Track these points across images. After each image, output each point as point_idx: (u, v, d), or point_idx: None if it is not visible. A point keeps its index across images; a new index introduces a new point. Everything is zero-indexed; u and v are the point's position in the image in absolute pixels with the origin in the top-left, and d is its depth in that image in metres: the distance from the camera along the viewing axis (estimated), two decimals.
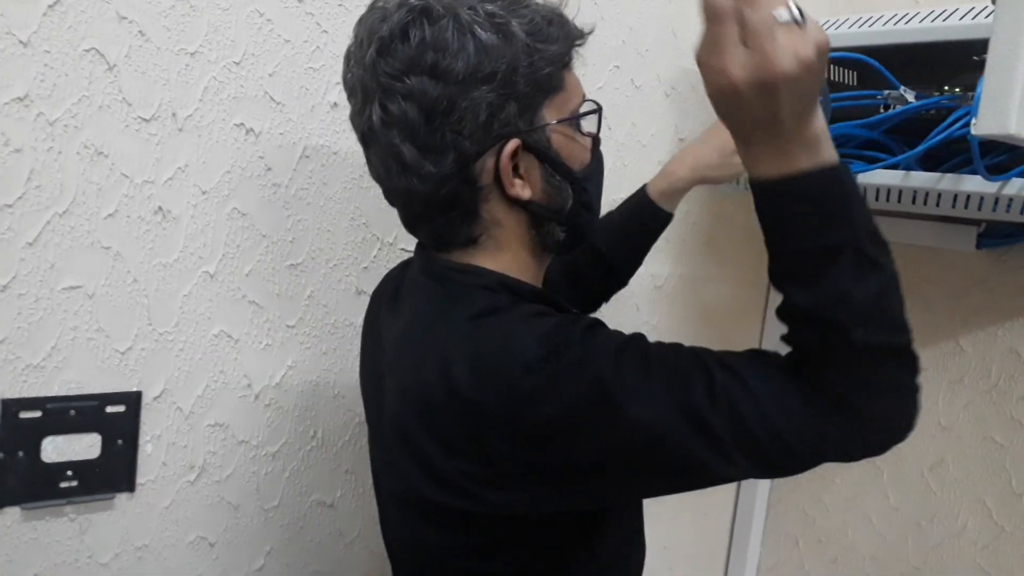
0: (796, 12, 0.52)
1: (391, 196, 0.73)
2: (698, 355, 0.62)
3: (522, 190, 0.69)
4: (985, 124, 0.56)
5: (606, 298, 1.09)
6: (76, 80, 0.85)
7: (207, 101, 0.93)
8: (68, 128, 0.86)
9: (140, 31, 0.88)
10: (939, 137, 0.92)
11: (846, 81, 1.18)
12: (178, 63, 0.91)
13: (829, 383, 0.59)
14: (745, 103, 0.54)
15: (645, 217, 1.04)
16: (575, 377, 0.60)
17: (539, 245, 0.73)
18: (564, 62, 0.70)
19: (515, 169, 0.68)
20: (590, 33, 0.72)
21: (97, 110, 0.87)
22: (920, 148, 0.95)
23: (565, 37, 0.69)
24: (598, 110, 0.74)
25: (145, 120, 0.90)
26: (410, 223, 0.74)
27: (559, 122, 0.70)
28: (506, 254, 0.72)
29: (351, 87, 0.69)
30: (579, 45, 0.71)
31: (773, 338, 1.52)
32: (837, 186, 0.57)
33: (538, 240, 0.73)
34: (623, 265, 1.06)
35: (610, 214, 1.06)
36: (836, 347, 0.58)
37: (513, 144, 0.66)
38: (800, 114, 0.54)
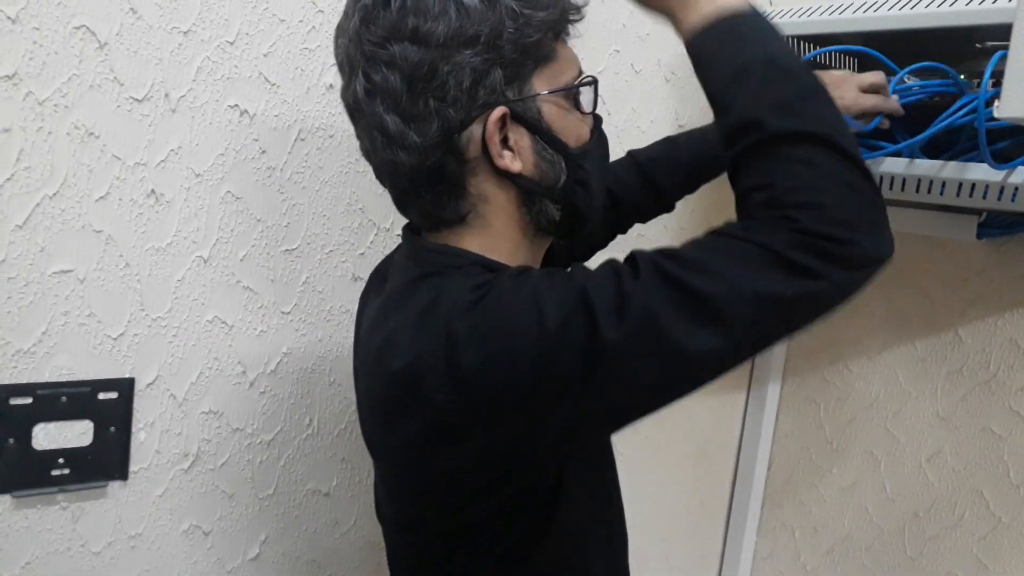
0: None
1: (380, 172, 0.71)
2: (629, 254, 0.61)
3: (511, 162, 0.67)
4: (1009, 107, 0.55)
5: (645, 219, 1.06)
6: (66, 58, 0.83)
7: (200, 81, 0.91)
8: (58, 108, 0.84)
9: (132, 8, 0.86)
10: (944, 123, 0.91)
11: (848, 67, 1.17)
12: (171, 42, 0.89)
13: (769, 201, 0.58)
14: None
15: (720, 160, 0.96)
16: (506, 304, 0.59)
17: (531, 224, 0.71)
18: (555, 31, 0.68)
19: (504, 141, 0.66)
20: (584, 5, 0.69)
21: (88, 89, 0.85)
22: (926, 134, 0.93)
23: (555, 4, 0.67)
24: (593, 83, 0.72)
25: (137, 100, 0.88)
26: (400, 201, 0.72)
27: (550, 92, 0.67)
28: (495, 234, 0.70)
29: (340, 61, 0.68)
30: (574, 20, 0.69)
31: None
32: (736, 25, 0.64)
33: (530, 219, 0.70)
34: (679, 196, 1.04)
35: (679, 148, 1.02)
36: (759, 145, 0.60)
37: (499, 112, 0.65)
38: None
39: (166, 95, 0.90)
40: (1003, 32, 0.91)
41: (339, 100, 0.99)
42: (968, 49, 0.99)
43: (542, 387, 0.58)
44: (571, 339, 0.56)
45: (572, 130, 0.70)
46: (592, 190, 0.73)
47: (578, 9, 0.69)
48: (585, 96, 0.71)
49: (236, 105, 0.94)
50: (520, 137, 0.67)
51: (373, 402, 0.69)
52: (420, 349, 0.60)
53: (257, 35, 0.94)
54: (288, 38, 0.96)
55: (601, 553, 0.78)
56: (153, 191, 0.91)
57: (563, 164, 0.70)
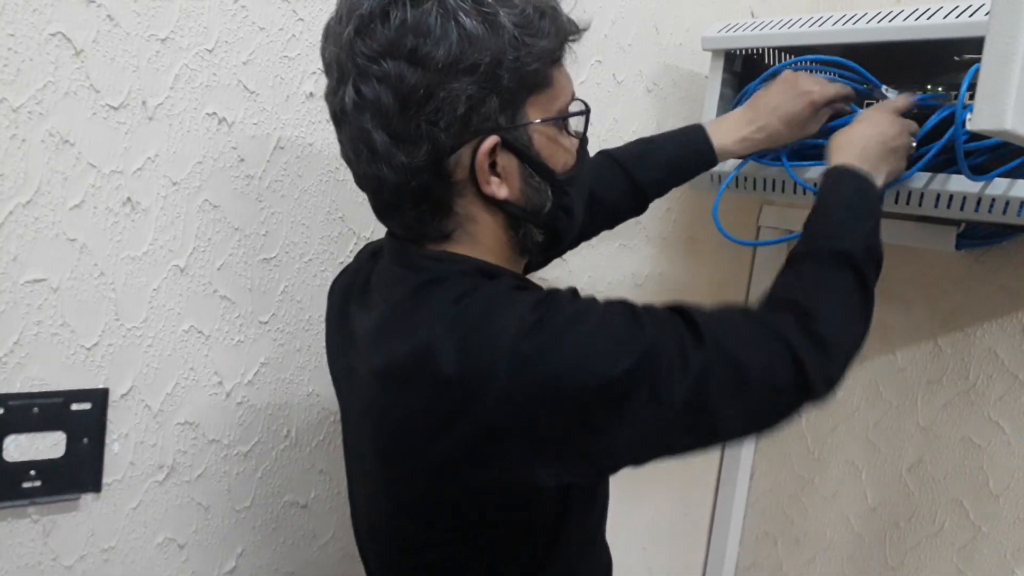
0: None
1: (360, 181, 0.70)
2: (675, 307, 0.67)
3: (498, 189, 0.66)
4: (981, 120, 0.55)
5: (614, 225, 1.06)
6: (41, 65, 0.82)
7: (178, 89, 0.90)
8: (33, 115, 0.83)
9: (108, 15, 0.85)
10: (937, 148, 0.91)
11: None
12: (148, 49, 0.88)
13: (806, 308, 0.71)
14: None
15: (699, 164, 1.02)
16: (574, 332, 0.60)
17: (516, 245, 0.71)
18: (554, 58, 0.67)
19: (492, 167, 0.66)
20: (585, 29, 0.69)
21: (63, 96, 0.84)
22: (914, 169, 0.93)
23: (557, 32, 0.66)
24: (586, 112, 0.72)
25: (113, 108, 0.87)
26: (380, 211, 0.71)
27: (543, 122, 0.67)
28: (481, 250, 0.69)
29: (327, 63, 0.67)
30: (573, 41, 0.69)
31: None
32: (872, 192, 0.84)
33: (515, 240, 0.71)
34: (655, 198, 1.04)
35: (657, 148, 1.02)
36: (828, 254, 0.76)
37: (491, 141, 0.64)
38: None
39: (143, 103, 0.89)
40: (980, 45, 0.92)
41: (319, 109, 1.01)
42: (947, 62, 1.00)
43: (593, 414, 0.60)
44: (633, 385, 0.60)
45: (560, 156, 0.70)
46: (574, 215, 0.74)
47: (577, 31, 0.69)
48: (576, 121, 0.71)
49: (214, 113, 0.93)
50: (508, 163, 0.67)
51: (407, 413, 0.64)
52: (477, 363, 0.60)
53: (236, 43, 0.93)
54: (268, 46, 0.96)
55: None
56: (129, 199, 0.89)
57: (549, 191, 0.69)
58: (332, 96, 0.67)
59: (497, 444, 0.61)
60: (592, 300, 0.65)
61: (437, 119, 0.62)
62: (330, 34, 0.66)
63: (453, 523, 0.68)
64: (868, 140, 0.88)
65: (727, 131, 1.01)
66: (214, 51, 0.92)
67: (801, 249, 0.78)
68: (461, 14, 0.61)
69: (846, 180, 0.84)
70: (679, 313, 0.65)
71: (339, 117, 0.66)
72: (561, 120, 0.69)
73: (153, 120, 0.89)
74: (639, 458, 0.65)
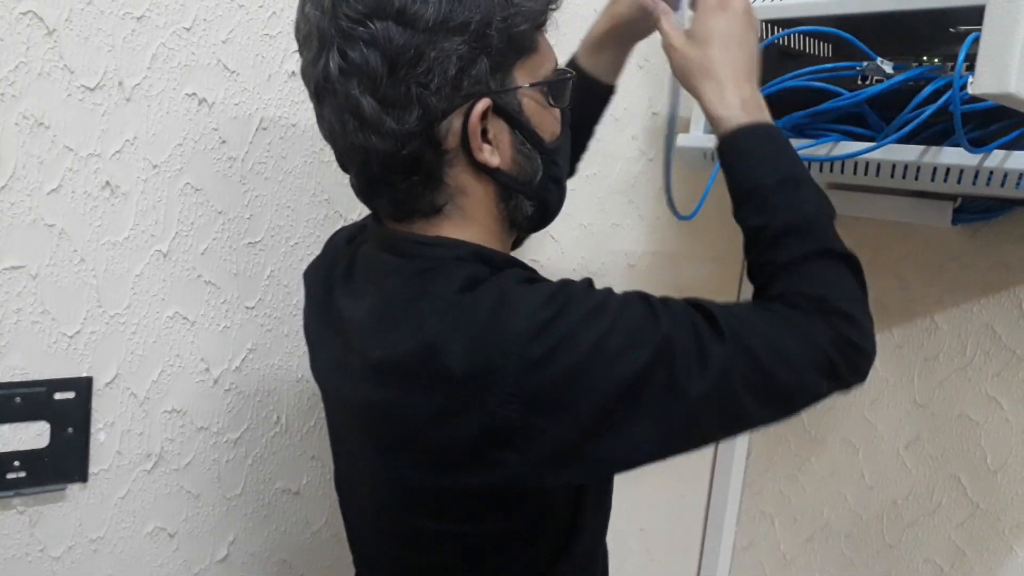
0: None
1: (345, 157, 0.67)
2: (692, 301, 0.66)
3: (491, 156, 0.64)
4: (983, 83, 0.53)
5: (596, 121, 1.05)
6: (12, 45, 0.80)
7: (156, 69, 0.88)
8: (5, 97, 0.80)
9: None
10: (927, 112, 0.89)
11: (821, 53, 1.16)
12: (124, 28, 0.85)
13: (797, 294, 0.69)
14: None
15: (583, 93, 0.93)
16: (587, 332, 0.59)
17: (507, 219, 0.69)
18: (540, 22, 0.66)
19: (484, 134, 0.64)
20: None
21: (36, 78, 0.82)
22: (906, 129, 0.92)
23: None
24: (571, 78, 0.70)
25: (89, 89, 0.85)
26: (366, 190, 0.68)
27: (532, 86, 0.66)
28: (474, 225, 0.67)
29: (305, 35, 0.64)
30: (554, 9, 0.67)
31: None
32: (777, 136, 0.75)
33: (506, 214, 0.69)
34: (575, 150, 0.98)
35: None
36: (814, 256, 0.71)
37: (483, 104, 0.62)
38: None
39: (120, 83, 0.86)
40: (976, 15, 0.89)
41: (303, 88, 0.98)
42: (941, 33, 0.98)
43: (607, 415, 0.59)
44: (647, 380, 0.59)
45: (548, 125, 0.68)
46: (563, 187, 0.72)
47: None
48: (561, 90, 0.69)
49: (194, 93, 0.91)
50: (499, 131, 0.65)
51: (411, 409, 0.62)
52: (485, 364, 0.58)
53: (215, 21, 0.91)
54: (247, 24, 0.93)
55: (601, 562, 0.81)
56: (108, 183, 0.87)
57: (539, 160, 0.68)
58: (312, 67, 0.64)
59: (500, 448, 0.60)
60: (607, 293, 0.63)
61: (427, 81, 0.60)
62: (306, 3, 0.63)
63: (462, 517, 0.67)
64: (736, 63, 0.75)
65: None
66: (192, 29, 0.90)
67: (764, 250, 0.74)
68: None
69: (757, 149, 0.74)
70: (696, 307, 0.64)
71: (322, 87, 0.63)
72: (547, 87, 0.68)
73: (131, 101, 0.87)
74: (660, 453, 0.63)
